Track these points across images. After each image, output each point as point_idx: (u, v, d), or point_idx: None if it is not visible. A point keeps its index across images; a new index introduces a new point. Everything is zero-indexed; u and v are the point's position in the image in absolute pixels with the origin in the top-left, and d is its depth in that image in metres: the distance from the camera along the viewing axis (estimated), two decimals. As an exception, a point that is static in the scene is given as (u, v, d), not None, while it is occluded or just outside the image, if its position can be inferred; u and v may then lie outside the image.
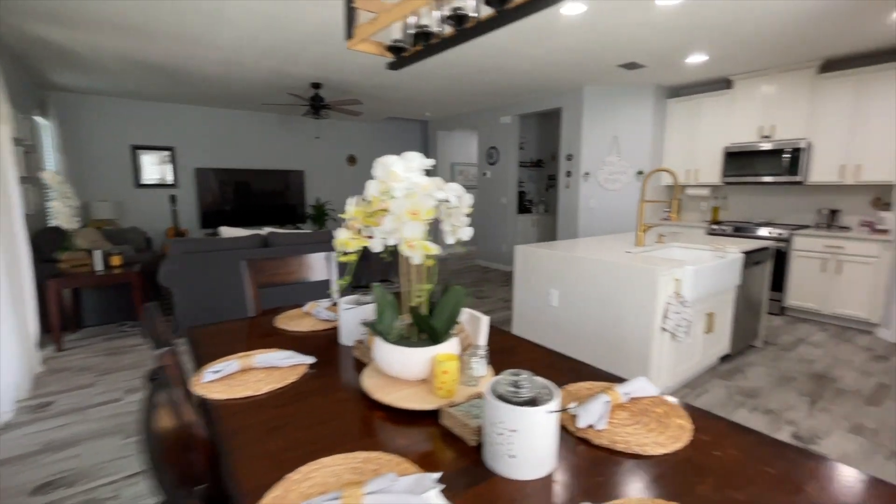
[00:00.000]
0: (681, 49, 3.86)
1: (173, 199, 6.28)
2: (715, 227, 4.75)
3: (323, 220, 7.41)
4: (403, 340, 1.10)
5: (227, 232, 4.03)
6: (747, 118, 4.66)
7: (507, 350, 1.38)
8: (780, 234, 4.26)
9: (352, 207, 1.13)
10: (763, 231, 4.38)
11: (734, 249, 2.95)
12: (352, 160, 8.00)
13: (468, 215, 1.11)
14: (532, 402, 0.79)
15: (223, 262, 3.56)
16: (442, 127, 7.67)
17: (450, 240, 1.12)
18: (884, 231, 3.93)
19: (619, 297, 2.44)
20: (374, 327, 1.11)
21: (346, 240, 1.14)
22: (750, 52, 3.94)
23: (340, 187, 7.95)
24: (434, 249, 1.01)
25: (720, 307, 2.87)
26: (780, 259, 4.27)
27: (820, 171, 4.22)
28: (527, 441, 0.77)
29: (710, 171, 5.01)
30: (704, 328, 2.75)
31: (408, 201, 0.99)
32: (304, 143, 7.44)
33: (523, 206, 7.09)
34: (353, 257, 1.16)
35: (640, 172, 5.31)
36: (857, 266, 3.85)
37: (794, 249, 4.21)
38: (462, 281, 5.97)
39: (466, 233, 1.11)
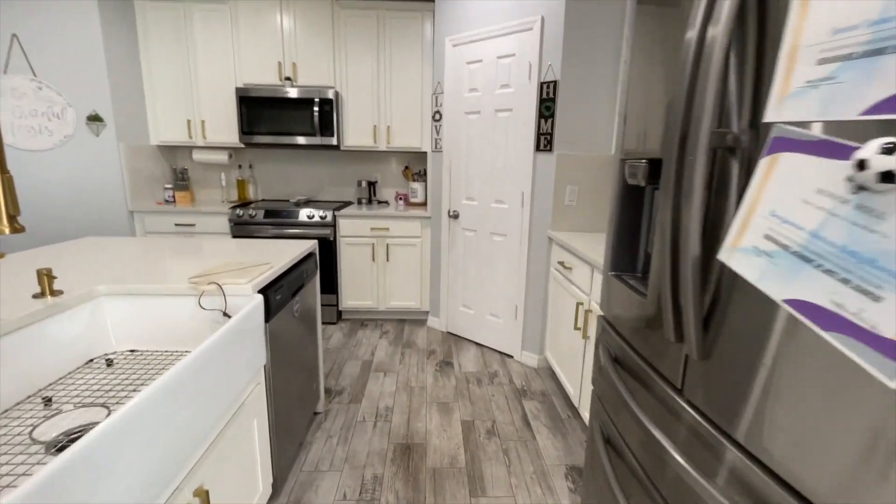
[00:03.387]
0: None
1: None
2: (241, 212, 3.11)
3: None
4: None
5: None
6: (262, 49, 3.15)
7: None
8: (323, 216, 3.12)
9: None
10: (305, 214, 3.12)
11: (244, 283, 1.27)
12: None
13: None
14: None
15: None
16: None
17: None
18: (420, 205, 3.48)
19: None
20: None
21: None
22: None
23: None
24: None
25: (229, 449, 1.16)
26: (328, 249, 3.16)
27: (354, 131, 3.31)
28: None
29: (224, 124, 3.27)
30: (187, 543, 0.96)
31: None
32: None
33: None
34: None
35: (95, 118, 2.87)
36: (404, 249, 3.23)
37: (341, 236, 3.19)
38: None
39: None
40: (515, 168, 2.56)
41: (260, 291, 1.33)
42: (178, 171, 3.46)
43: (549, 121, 2.37)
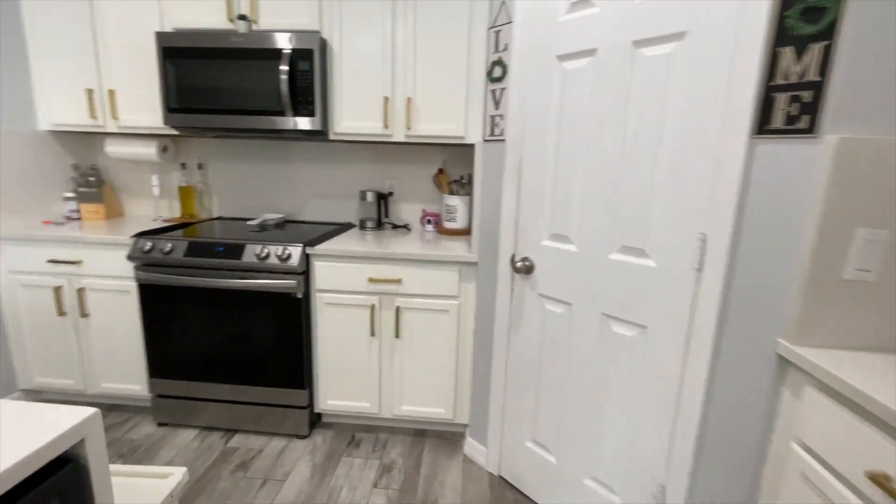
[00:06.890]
0: None
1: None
2: (148, 245, 1.81)
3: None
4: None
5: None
6: (201, -33, 1.86)
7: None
8: (284, 255, 1.76)
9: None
10: (253, 252, 1.78)
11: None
12: None
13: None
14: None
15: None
16: None
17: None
18: (461, 232, 2.06)
19: None
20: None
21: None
22: None
23: None
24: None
25: None
26: (294, 313, 1.80)
27: (352, 108, 1.94)
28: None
29: (146, 96, 2.01)
30: None
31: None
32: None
33: None
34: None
35: None
36: (428, 317, 1.80)
37: (317, 290, 1.82)
38: None
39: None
40: (685, 178, 1.08)
41: None
42: (81, 172, 2.24)
43: (818, 48, 0.86)
